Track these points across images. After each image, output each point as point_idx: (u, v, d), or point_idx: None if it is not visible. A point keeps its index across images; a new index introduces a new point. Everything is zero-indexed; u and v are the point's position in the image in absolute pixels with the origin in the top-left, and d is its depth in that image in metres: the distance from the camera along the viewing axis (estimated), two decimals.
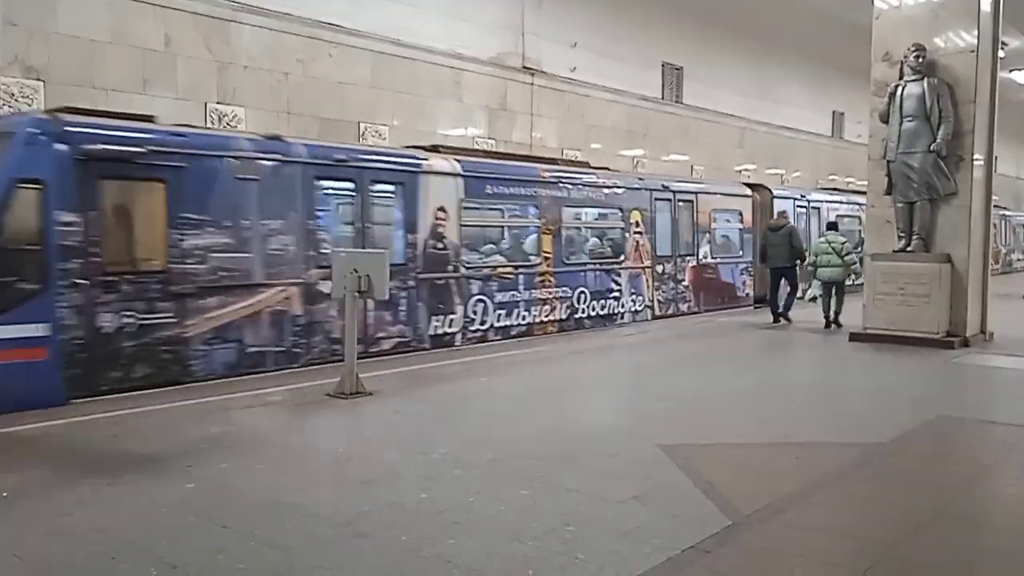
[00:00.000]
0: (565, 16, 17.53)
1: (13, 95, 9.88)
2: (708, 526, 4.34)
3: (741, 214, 16.60)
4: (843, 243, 13.14)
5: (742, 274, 16.56)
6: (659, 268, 14.54)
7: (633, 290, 13.98)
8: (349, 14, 13.48)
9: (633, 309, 13.95)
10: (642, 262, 14.18)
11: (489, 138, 16.04)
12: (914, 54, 11.08)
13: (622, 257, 13.78)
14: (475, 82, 15.91)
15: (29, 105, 9.94)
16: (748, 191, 17.08)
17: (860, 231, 16.64)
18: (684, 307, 15.17)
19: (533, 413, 7.22)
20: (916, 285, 10.99)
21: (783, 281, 13.73)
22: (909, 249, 11.23)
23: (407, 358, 9.91)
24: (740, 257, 16.56)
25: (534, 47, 16.98)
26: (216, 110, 11.82)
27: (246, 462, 5.55)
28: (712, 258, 15.81)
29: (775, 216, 14.85)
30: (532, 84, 17.04)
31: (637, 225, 14.04)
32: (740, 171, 23.28)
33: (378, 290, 7.66)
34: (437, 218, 10.71)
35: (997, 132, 11.58)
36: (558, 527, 4.32)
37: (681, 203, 15.18)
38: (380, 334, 10.00)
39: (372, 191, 10.13)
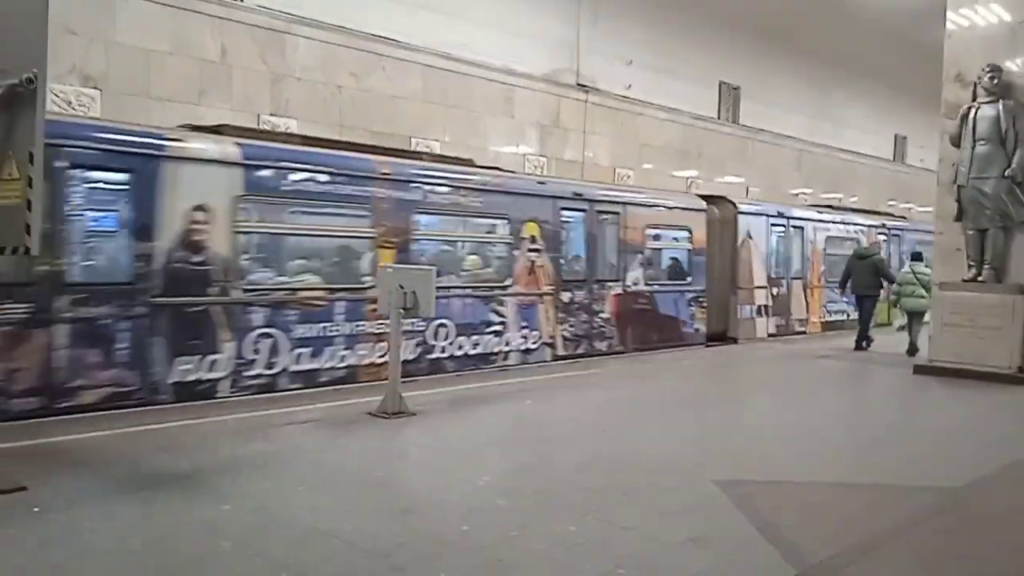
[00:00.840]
0: (621, 33, 17.28)
1: (70, 103, 9.95)
2: (772, 574, 4.00)
3: (690, 232, 13.67)
4: (929, 275, 12.37)
5: (690, 305, 13.60)
6: (566, 296, 11.50)
7: (524, 323, 10.90)
8: (403, 28, 13.42)
9: (523, 348, 10.88)
10: (539, 288, 11.10)
11: (540, 155, 15.84)
12: (988, 75, 10.59)
13: (508, 281, 10.79)
14: (527, 98, 15.74)
15: (86, 112, 10.00)
16: (700, 204, 14.29)
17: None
18: (602, 345, 12.08)
19: (584, 439, 6.93)
20: (987, 317, 10.44)
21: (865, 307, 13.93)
22: (980, 279, 10.68)
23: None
24: (687, 284, 13.62)
25: (588, 64, 16.76)
26: (268, 122, 11.81)
27: (284, 483, 5.35)
28: (646, 285, 12.78)
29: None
30: (586, 101, 16.81)
31: (533, 241, 11.02)
32: (796, 194, 22.71)
33: (424, 307, 7.45)
34: (193, 221, 7.81)
35: None
36: (608, 570, 4.02)
37: (602, 216, 12.19)
38: (78, 382, 7.10)
39: (79, 180, 7.24)
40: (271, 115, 11.88)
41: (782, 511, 5.01)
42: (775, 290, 15.47)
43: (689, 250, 13.75)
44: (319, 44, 12.47)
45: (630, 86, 17.64)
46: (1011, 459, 6.53)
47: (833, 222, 17.37)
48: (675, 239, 13.76)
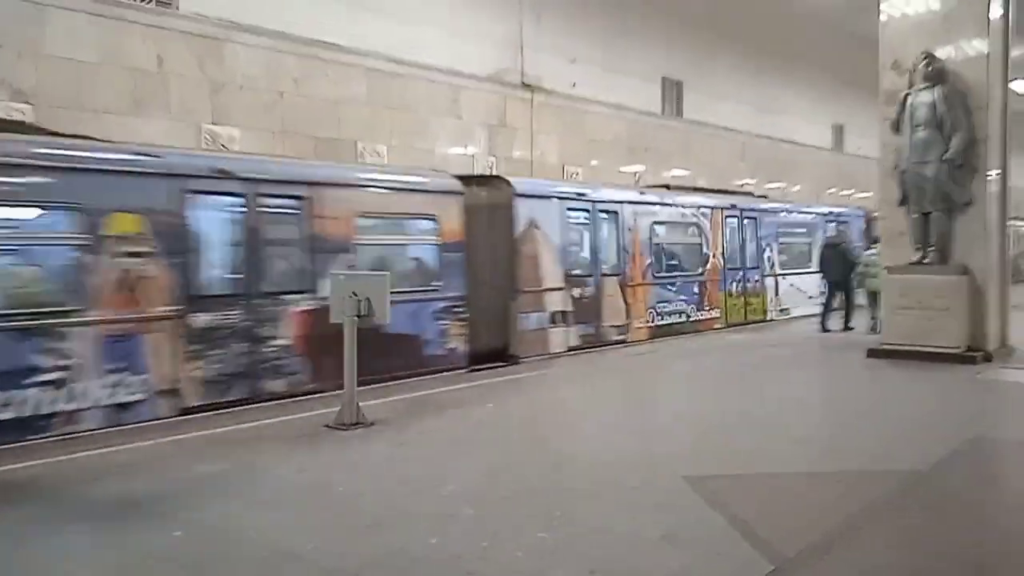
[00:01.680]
0: (564, 31, 17.28)
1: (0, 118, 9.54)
2: (749, 570, 3.97)
3: (437, 222, 10.34)
4: None
5: (441, 318, 10.30)
6: (202, 319, 8.02)
7: (115, 365, 7.41)
8: (345, 32, 13.20)
9: (113, 402, 7.36)
10: (141, 310, 7.64)
11: (490, 155, 15.74)
12: (924, 62, 10.79)
13: (79, 302, 7.26)
14: (474, 99, 15.63)
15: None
16: (451, 185, 10.79)
17: (704, 244, 15.02)
18: (278, 384, 8.61)
19: (547, 441, 6.84)
20: (934, 298, 10.63)
21: (838, 293, 14.68)
22: (926, 261, 10.88)
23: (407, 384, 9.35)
24: (435, 291, 10.27)
25: (533, 63, 16.71)
26: (210, 131, 11.50)
27: (241, 503, 5.16)
28: None
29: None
30: (532, 100, 16.76)
31: (131, 241, 7.58)
32: (742, 185, 22.97)
33: (379, 314, 7.29)
34: None
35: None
36: (583, 574, 3.93)
37: (274, 202, 8.81)
38: None
39: None
40: (212, 124, 11.57)
41: (753, 504, 4.97)
42: (578, 291, 12.25)
43: (438, 245, 10.36)
44: (259, 51, 12.19)
45: (575, 84, 17.64)
46: (970, 436, 6.63)
47: (662, 204, 14.35)
48: (411, 231, 10.69)
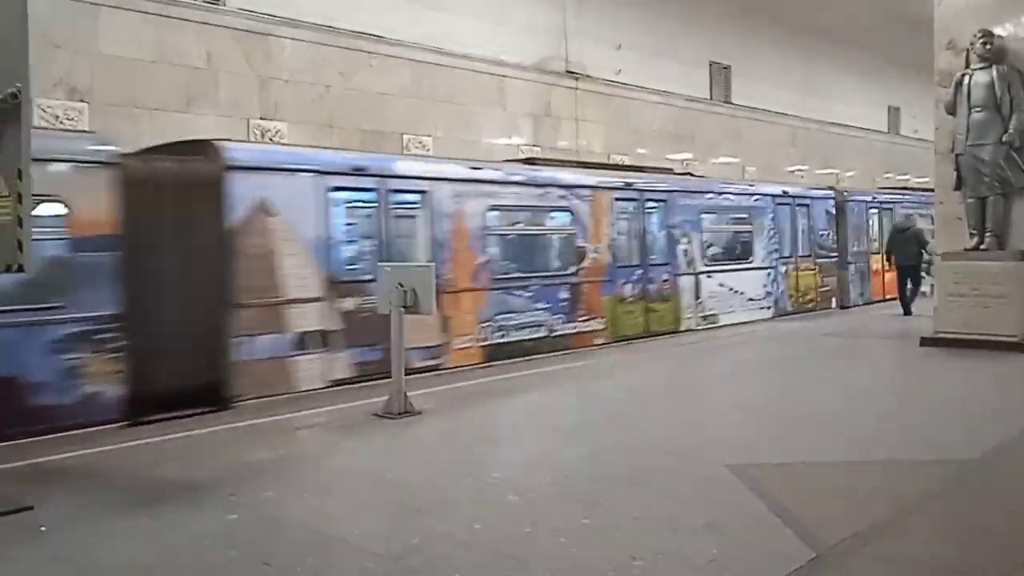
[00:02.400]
0: (608, 17, 17.16)
1: (58, 117, 9.86)
2: (789, 559, 3.94)
3: (66, 205, 7.10)
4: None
5: (62, 351, 7.06)
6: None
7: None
8: (389, 24, 13.31)
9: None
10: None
11: (534, 145, 15.74)
12: (981, 40, 10.50)
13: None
14: (518, 89, 15.63)
15: (74, 126, 9.91)
16: (87, 152, 7.46)
17: (579, 235, 11.65)
18: None
19: (590, 430, 6.87)
20: (991, 285, 10.36)
21: (908, 279, 14.63)
22: (983, 247, 10.60)
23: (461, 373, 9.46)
24: (55, 310, 7.05)
25: (577, 50, 16.64)
26: (259, 126, 11.72)
27: (291, 489, 5.30)
28: None
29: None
30: (576, 88, 16.70)
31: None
32: (792, 171, 22.61)
33: (425, 305, 7.39)
34: None
35: None
36: (625, 562, 3.96)
37: None
38: None
39: None
40: (261, 119, 11.79)
41: (796, 492, 4.94)
42: (352, 303, 8.93)
43: (67, 241, 7.12)
44: (305, 44, 12.37)
45: (620, 71, 17.52)
46: (1022, 426, 6.47)
47: (506, 183, 10.86)
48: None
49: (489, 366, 10.02)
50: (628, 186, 12.67)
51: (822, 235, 16.53)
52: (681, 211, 13.35)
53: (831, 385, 8.84)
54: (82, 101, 10.11)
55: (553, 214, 11.85)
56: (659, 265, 12.92)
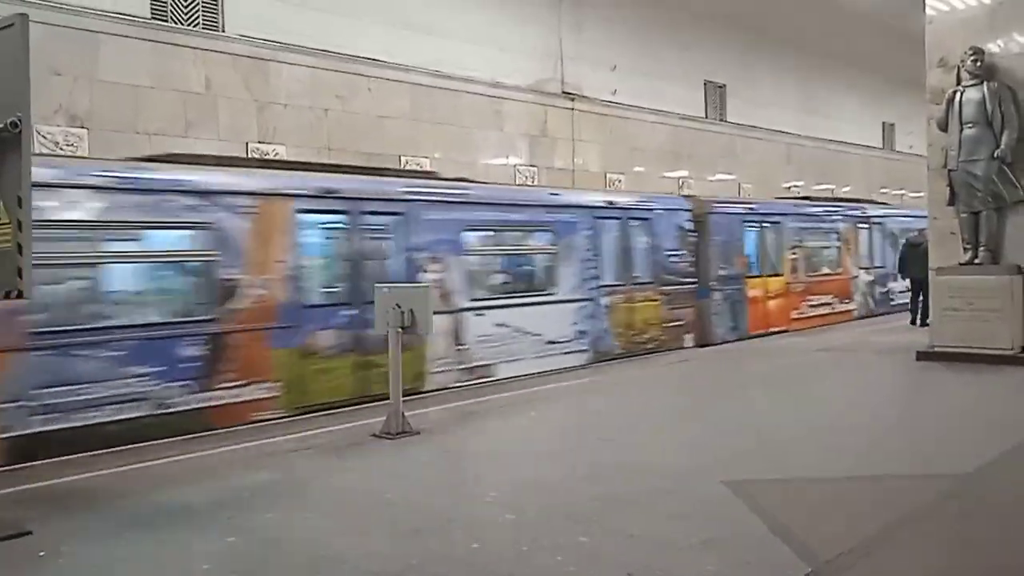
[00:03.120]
0: (604, 38, 17.32)
1: (58, 143, 9.96)
2: (785, 574, 3.97)
3: None
4: None
5: None
6: None
7: None
8: (387, 48, 13.45)
9: None
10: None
11: (531, 166, 15.85)
12: (972, 58, 10.63)
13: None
14: (515, 110, 15.76)
15: (74, 152, 10.00)
16: None
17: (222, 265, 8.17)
18: None
19: (588, 449, 6.89)
20: (986, 299, 10.43)
21: (921, 293, 14.38)
22: (977, 261, 10.68)
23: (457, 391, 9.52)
24: None
25: (574, 72, 16.79)
26: (257, 149, 11.82)
27: (290, 511, 5.32)
28: None
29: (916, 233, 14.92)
30: (573, 109, 16.84)
31: None
32: (788, 187, 22.72)
33: (423, 325, 7.43)
34: None
35: None
36: None
37: None
38: None
39: None
40: (259, 143, 11.89)
41: (792, 509, 4.98)
42: None
43: None
44: (303, 69, 12.50)
45: (615, 91, 17.67)
46: (1018, 440, 6.49)
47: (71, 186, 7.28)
48: None
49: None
50: (329, 194, 9.08)
51: (672, 256, 13.12)
52: (429, 227, 9.80)
53: (826, 400, 8.87)
54: (82, 127, 10.22)
55: (171, 233, 8.25)
56: None
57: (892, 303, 18.63)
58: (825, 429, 7.30)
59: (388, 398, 7.51)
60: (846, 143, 25.42)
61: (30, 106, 4.87)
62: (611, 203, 12.63)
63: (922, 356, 10.82)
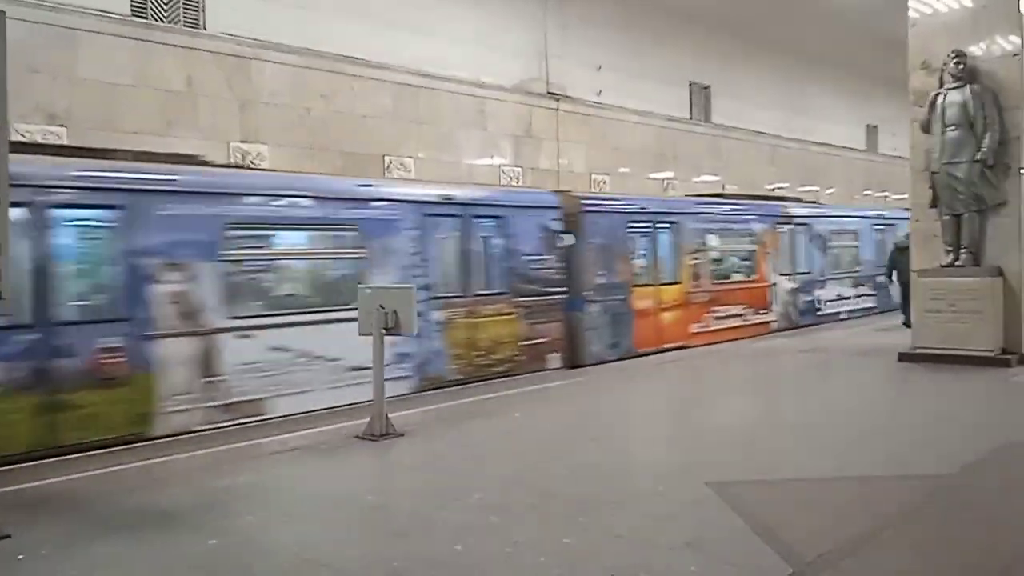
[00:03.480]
0: (589, 39, 17.34)
1: (36, 142, 9.83)
2: (769, 575, 3.97)
3: None
4: None
5: None
6: None
7: None
8: (371, 47, 13.39)
9: None
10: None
11: (515, 166, 15.83)
12: (954, 61, 10.70)
13: None
14: (500, 110, 15.74)
15: None
16: None
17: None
18: None
19: (571, 449, 6.87)
20: (967, 301, 10.50)
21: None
22: (958, 263, 10.75)
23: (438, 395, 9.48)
24: None
25: (559, 72, 16.79)
26: (239, 148, 11.73)
27: (272, 514, 5.27)
28: None
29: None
30: (557, 110, 16.83)
31: None
32: (772, 189, 22.83)
33: (406, 326, 7.39)
34: None
35: None
36: None
37: None
38: None
39: None
40: (241, 142, 11.80)
41: (776, 509, 4.99)
42: None
43: None
44: (286, 68, 12.42)
45: (600, 92, 17.68)
46: (1000, 442, 6.54)
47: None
48: None
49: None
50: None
51: (534, 262, 11.10)
52: (165, 225, 7.75)
53: (809, 401, 8.90)
54: (61, 125, 10.10)
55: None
56: (95, 323, 7.32)
57: (819, 313, 16.84)
58: (807, 430, 7.32)
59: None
60: (830, 145, 25.59)
61: (7, 104, 4.80)
62: (448, 198, 10.38)
63: (904, 357, 10.87)
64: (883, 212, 20.19)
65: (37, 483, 6.07)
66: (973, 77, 10.65)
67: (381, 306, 7.35)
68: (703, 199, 15.99)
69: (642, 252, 13.14)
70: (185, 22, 11.45)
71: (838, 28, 21.47)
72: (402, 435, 7.30)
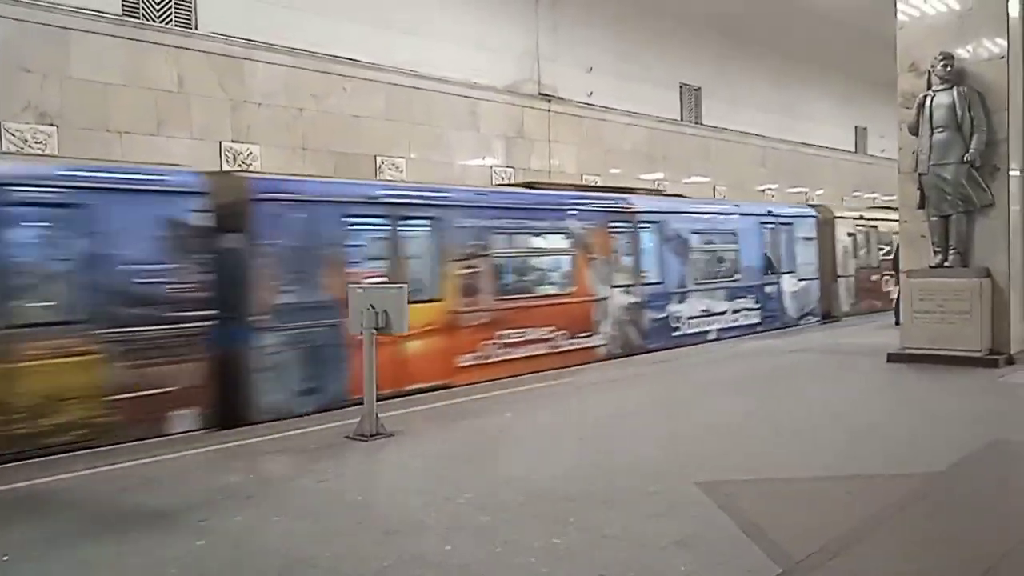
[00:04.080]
0: (581, 40, 17.37)
1: (27, 141, 9.82)
2: (758, 574, 3.99)
3: None
4: None
5: None
6: None
7: None
8: (363, 47, 13.40)
9: None
10: None
11: (507, 167, 15.85)
12: (942, 63, 10.75)
13: None
14: (491, 111, 15.76)
15: (43, 150, 9.86)
16: None
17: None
18: None
19: (562, 449, 6.89)
20: (956, 301, 10.56)
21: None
22: (946, 264, 10.81)
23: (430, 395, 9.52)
24: None
25: (550, 73, 16.83)
26: (231, 148, 11.72)
27: (261, 513, 5.26)
28: None
29: None
30: (549, 111, 16.87)
31: None
32: (763, 191, 22.92)
33: (397, 326, 7.39)
34: None
35: None
36: None
37: None
38: None
39: None
40: (232, 142, 11.78)
41: (765, 509, 5.01)
42: None
43: None
44: (279, 68, 12.41)
45: (591, 93, 17.73)
46: (988, 440, 6.59)
47: None
48: None
49: None
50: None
51: (146, 273, 7.56)
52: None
53: (798, 400, 8.93)
54: (52, 125, 10.07)
55: None
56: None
57: (676, 334, 13.50)
58: (796, 429, 7.35)
59: None
60: (820, 146, 25.70)
61: None
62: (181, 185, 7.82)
63: (893, 358, 10.93)
64: (773, 208, 16.81)
65: (25, 483, 6.06)
66: (961, 79, 10.71)
67: (372, 306, 7.34)
68: (490, 189, 13.30)
69: (373, 258, 9.86)
70: (177, 22, 11.43)
71: (828, 30, 21.57)
72: (392, 435, 7.30)
